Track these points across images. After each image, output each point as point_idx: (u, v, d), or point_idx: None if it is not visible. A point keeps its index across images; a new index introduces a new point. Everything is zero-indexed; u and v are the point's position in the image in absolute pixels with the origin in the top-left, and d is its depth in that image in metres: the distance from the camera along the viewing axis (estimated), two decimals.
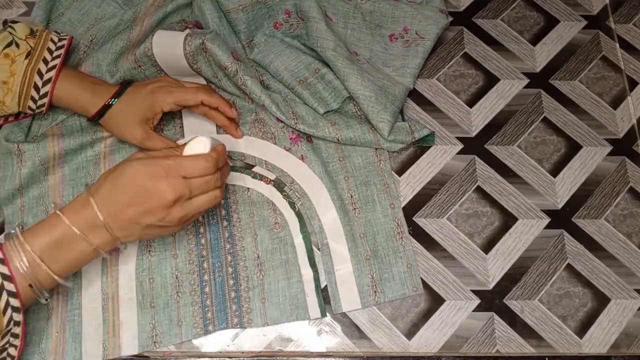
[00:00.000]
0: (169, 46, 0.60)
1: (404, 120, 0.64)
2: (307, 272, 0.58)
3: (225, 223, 0.59)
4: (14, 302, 0.44)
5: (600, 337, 0.56)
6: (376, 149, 0.63)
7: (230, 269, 0.58)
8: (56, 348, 0.54)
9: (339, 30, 0.67)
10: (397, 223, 0.60)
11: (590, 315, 0.57)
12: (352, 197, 0.61)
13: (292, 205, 0.60)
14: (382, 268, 0.58)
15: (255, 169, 0.62)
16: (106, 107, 0.58)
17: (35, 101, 0.56)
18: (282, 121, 0.63)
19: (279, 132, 0.63)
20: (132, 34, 0.64)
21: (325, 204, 0.60)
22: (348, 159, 0.62)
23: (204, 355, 0.55)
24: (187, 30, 0.61)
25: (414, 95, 0.67)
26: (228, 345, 0.55)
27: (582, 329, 0.57)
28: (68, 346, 0.54)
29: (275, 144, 0.63)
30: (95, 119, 0.59)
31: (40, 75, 0.56)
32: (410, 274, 0.58)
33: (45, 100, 0.56)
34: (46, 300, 0.47)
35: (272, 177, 0.61)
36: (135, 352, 0.54)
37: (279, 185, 0.61)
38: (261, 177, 0.61)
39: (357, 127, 0.62)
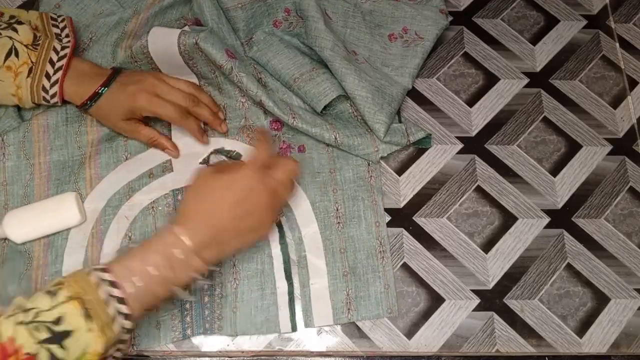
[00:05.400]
0: (164, 44, 0.59)
1: (400, 121, 0.64)
2: (281, 285, 0.57)
3: None
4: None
5: (600, 337, 0.56)
6: (369, 164, 0.62)
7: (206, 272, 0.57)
8: None
9: (338, 29, 0.67)
10: (380, 242, 0.59)
11: (590, 315, 0.57)
12: (337, 210, 0.60)
13: None
14: (359, 286, 0.57)
15: None
16: (95, 97, 0.57)
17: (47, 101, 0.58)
18: (278, 120, 0.63)
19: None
20: (128, 27, 0.63)
21: (307, 216, 0.59)
22: (339, 171, 0.62)
23: (204, 354, 0.55)
24: (182, 28, 0.60)
25: (414, 94, 0.67)
26: (228, 345, 0.55)
27: (582, 329, 0.57)
28: None
29: None
30: (84, 108, 0.58)
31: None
32: (387, 295, 0.57)
33: (56, 99, 0.58)
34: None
35: None
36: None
37: None
38: None
39: (354, 128, 0.61)
